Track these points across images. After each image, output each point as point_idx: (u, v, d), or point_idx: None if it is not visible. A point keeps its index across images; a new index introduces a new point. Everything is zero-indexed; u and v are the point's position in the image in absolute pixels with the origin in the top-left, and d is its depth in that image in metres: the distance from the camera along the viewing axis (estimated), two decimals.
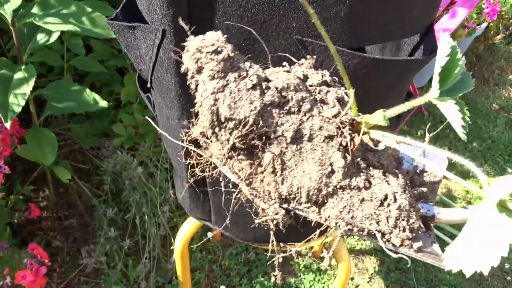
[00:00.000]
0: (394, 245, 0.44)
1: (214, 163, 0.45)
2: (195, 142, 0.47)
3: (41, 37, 0.98)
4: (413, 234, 0.44)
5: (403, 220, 0.43)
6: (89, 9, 0.90)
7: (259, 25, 0.48)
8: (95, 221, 1.32)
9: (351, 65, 0.50)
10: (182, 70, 0.41)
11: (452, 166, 1.78)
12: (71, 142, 1.38)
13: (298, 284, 1.30)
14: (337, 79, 0.48)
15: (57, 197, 1.38)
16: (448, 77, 0.39)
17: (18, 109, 0.84)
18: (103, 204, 1.30)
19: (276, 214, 0.44)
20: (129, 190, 1.23)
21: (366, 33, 0.50)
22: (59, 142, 1.16)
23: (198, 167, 0.47)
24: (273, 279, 0.49)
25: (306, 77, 0.46)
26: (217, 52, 0.40)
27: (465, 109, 0.41)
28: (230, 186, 0.46)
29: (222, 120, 0.41)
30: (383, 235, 0.43)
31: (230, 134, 0.42)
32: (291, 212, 0.45)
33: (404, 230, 0.43)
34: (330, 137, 0.43)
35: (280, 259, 0.48)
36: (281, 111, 0.42)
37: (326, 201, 0.44)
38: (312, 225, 0.45)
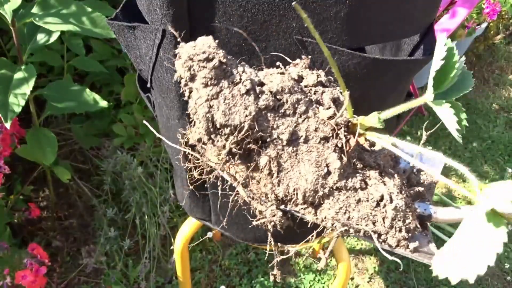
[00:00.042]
0: (390, 245, 0.44)
1: (211, 166, 0.45)
2: (193, 146, 0.47)
3: (41, 37, 0.98)
4: (409, 234, 0.44)
5: (399, 220, 0.43)
6: (89, 9, 0.90)
7: (259, 25, 0.47)
8: (95, 221, 1.32)
9: (351, 65, 0.50)
10: (175, 78, 0.41)
11: (450, 167, 1.78)
12: (71, 142, 1.38)
13: (298, 284, 1.30)
14: (332, 79, 0.48)
15: (57, 197, 1.38)
16: (444, 80, 0.39)
17: (18, 109, 0.84)
18: (103, 204, 1.30)
19: (273, 216, 0.44)
20: (129, 190, 1.23)
21: (366, 33, 0.50)
22: (59, 142, 1.16)
23: (196, 170, 0.47)
24: (272, 277, 0.49)
25: (301, 78, 0.46)
26: (208, 59, 0.39)
27: (461, 111, 0.41)
28: (227, 189, 0.46)
29: (218, 126, 0.41)
30: (379, 235, 0.44)
31: (226, 139, 0.42)
32: (288, 214, 0.45)
33: (400, 231, 0.43)
34: (326, 139, 0.43)
35: (279, 260, 0.48)
36: (276, 114, 0.43)
37: (322, 202, 0.44)
38: (309, 226, 0.45)
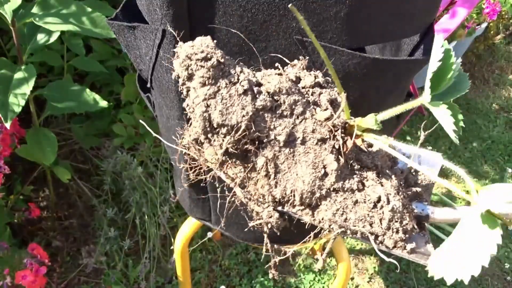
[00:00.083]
0: (387, 247, 0.44)
1: (209, 167, 0.45)
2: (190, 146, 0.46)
3: (41, 37, 0.98)
4: (407, 235, 0.44)
5: (396, 221, 0.43)
6: (89, 9, 0.90)
7: (259, 25, 0.47)
8: (95, 221, 1.32)
9: (351, 65, 0.50)
10: (173, 77, 0.41)
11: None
12: (71, 142, 1.38)
13: (298, 284, 1.30)
14: (330, 79, 0.48)
15: (57, 197, 1.38)
16: (441, 82, 0.40)
17: (18, 109, 0.84)
18: (103, 204, 1.30)
19: (270, 217, 0.44)
20: (129, 190, 1.23)
21: (366, 33, 0.50)
22: (59, 142, 1.16)
23: (193, 170, 0.47)
24: (270, 275, 0.49)
25: (299, 79, 0.46)
26: (206, 59, 0.39)
27: (458, 112, 0.41)
28: (225, 190, 0.46)
29: (215, 126, 0.41)
30: (377, 237, 0.44)
31: (223, 139, 0.42)
32: (285, 215, 0.45)
33: (397, 232, 0.43)
34: (323, 140, 0.43)
35: (277, 261, 0.48)
36: (274, 115, 0.43)
37: (319, 203, 0.44)
38: (307, 227, 0.45)
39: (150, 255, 1.21)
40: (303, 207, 0.44)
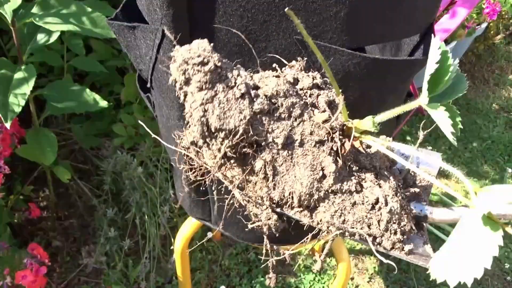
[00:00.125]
0: (385, 248, 0.44)
1: (208, 169, 0.45)
2: (189, 148, 0.47)
3: (41, 37, 0.98)
4: (405, 237, 0.44)
5: (394, 223, 0.43)
6: (89, 9, 0.90)
7: (259, 25, 0.47)
8: (95, 221, 1.32)
9: (351, 65, 0.50)
10: (170, 81, 0.41)
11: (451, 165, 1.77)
12: (71, 142, 1.38)
13: (298, 284, 1.30)
14: (328, 80, 0.48)
15: (57, 197, 1.38)
16: (439, 84, 0.40)
17: (18, 109, 0.84)
18: (103, 204, 1.30)
19: (269, 219, 0.44)
20: (129, 190, 1.23)
21: (366, 33, 0.50)
22: (59, 142, 1.16)
23: (192, 172, 0.47)
24: (267, 281, 0.50)
25: (296, 81, 0.46)
26: (203, 63, 0.39)
27: (456, 115, 0.41)
28: (223, 192, 0.46)
29: (213, 130, 0.41)
30: (375, 238, 0.44)
31: (221, 143, 0.42)
32: (284, 217, 0.45)
33: (395, 233, 0.44)
34: (321, 142, 0.43)
35: (274, 262, 0.48)
36: (271, 118, 0.43)
37: (317, 205, 0.44)
38: (305, 228, 0.45)
39: (150, 255, 1.21)
40: (301, 209, 0.44)
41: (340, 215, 0.43)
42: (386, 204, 0.43)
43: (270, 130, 0.42)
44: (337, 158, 0.43)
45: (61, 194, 1.41)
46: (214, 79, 0.40)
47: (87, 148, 1.36)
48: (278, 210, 0.44)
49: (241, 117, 0.41)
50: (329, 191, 0.43)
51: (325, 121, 0.44)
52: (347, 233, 0.43)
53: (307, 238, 0.46)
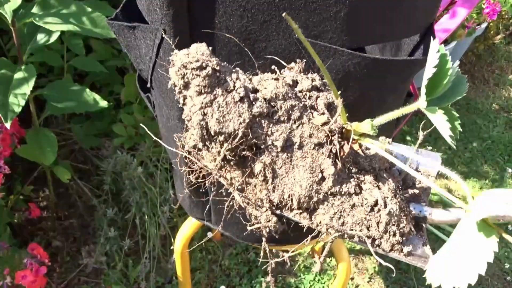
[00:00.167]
0: (384, 250, 0.44)
1: (208, 171, 0.46)
2: (189, 150, 0.47)
3: (41, 37, 0.98)
4: (404, 238, 0.44)
5: (393, 225, 0.43)
6: (89, 9, 0.90)
7: (259, 25, 0.48)
8: (95, 221, 1.32)
9: (351, 65, 0.50)
10: (169, 85, 0.41)
11: (451, 166, 1.78)
12: (71, 142, 1.38)
13: (298, 284, 1.30)
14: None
15: (57, 197, 1.38)
16: (437, 87, 0.40)
17: (18, 109, 0.84)
18: (103, 204, 1.30)
19: (268, 221, 0.45)
20: (129, 190, 1.23)
21: (366, 33, 0.50)
22: (59, 142, 1.16)
23: (193, 174, 0.47)
24: (263, 286, 0.50)
25: (295, 83, 0.46)
26: (201, 68, 0.39)
27: (455, 118, 0.41)
28: (223, 194, 0.46)
29: (212, 133, 0.41)
30: (374, 240, 0.44)
31: (221, 146, 0.42)
32: (283, 218, 0.45)
33: (394, 235, 0.44)
34: (320, 145, 0.44)
35: (273, 265, 0.48)
36: (271, 121, 0.43)
37: (317, 207, 0.44)
38: (304, 230, 0.45)
39: (150, 255, 1.21)
40: (300, 211, 0.44)
41: (339, 217, 0.43)
42: (385, 206, 0.43)
43: (269, 133, 0.42)
44: (336, 160, 0.44)
45: (61, 194, 1.41)
46: (213, 83, 0.40)
47: (87, 148, 1.36)
48: (278, 212, 0.45)
49: (240, 121, 0.41)
50: (328, 193, 0.43)
51: (324, 124, 0.44)
52: (346, 235, 0.43)
53: (306, 240, 0.46)
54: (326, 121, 0.44)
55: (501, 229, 0.36)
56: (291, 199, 0.44)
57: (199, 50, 0.40)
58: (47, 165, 1.06)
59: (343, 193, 0.44)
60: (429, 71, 0.38)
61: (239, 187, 0.44)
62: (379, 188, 0.44)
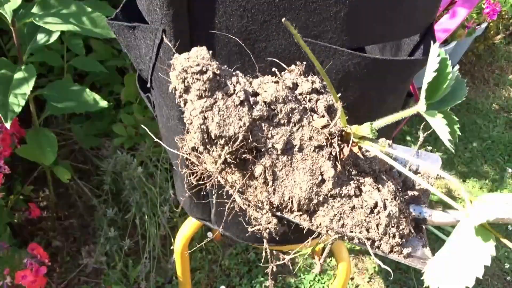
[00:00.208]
0: (383, 251, 0.44)
1: (209, 173, 0.46)
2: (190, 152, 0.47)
3: (41, 37, 0.98)
4: (403, 240, 0.44)
5: (393, 226, 0.44)
6: (89, 9, 0.90)
7: (259, 25, 0.48)
8: (95, 221, 1.32)
9: (351, 65, 0.50)
10: (170, 89, 0.42)
11: (451, 166, 1.78)
12: (71, 142, 1.38)
13: (298, 284, 1.30)
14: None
15: (57, 197, 1.38)
16: (437, 91, 0.40)
17: (18, 109, 0.84)
18: (103, 204, 1.30)
19: (269, 223, 0.45)
20: (129, 190, 1.23)
21: (366, 33, 0.50)
22: (59, 142, 1.16)
23: (194, 176, 0.47)
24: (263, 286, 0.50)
25: (295, 85, 0.46)
26: (202, 72, 0.40)
27: (454, 122, 0.41)
28: (224, 196, 0.46)
29: (213, 137, 0.42)
30: (373, 242, 0.44)
31: (222, 150, 0.42)
32: (284, 220, 0.45)
33: (394, 237, 0.44)
34: (320, 147, 0.44)
35: (275, 268, 0.48)
36: (271, 124, 0.43)
37: (317, 209, 0.44)
38: (304, 232, 0.45)
39: (150, 255, 1.21)
40: (301, 213, 0.44)
41: (339, 219, 0.44)
42: (385, 208, 0.43)
43: (269, 136, 0.43)
44: (336, 163, 0.44)
45: (61, 194, 1.41)
46: (213, 87, 0.40)
47: (87, 148, 1.36)
48: (278, 214, 0.45)
49: (240, 124, 0.41)
50: (328, 195, 0.44)
51: (324, 127, 0.44)
52: (346, 237, 0.44)
53: (307, 242, 0.46)
54: (326, 124, 0.44)
55: (498, 233, 0.37)
56: (291, 201, 0.44)
57: (199, 54, 0.40)
58: (47, 165, 1.06)
59: (343, 195, 0.44)
60: (429, 75, 0.38)
61: (240, 189, 0.44)
62: (379, 190, 0.45)
